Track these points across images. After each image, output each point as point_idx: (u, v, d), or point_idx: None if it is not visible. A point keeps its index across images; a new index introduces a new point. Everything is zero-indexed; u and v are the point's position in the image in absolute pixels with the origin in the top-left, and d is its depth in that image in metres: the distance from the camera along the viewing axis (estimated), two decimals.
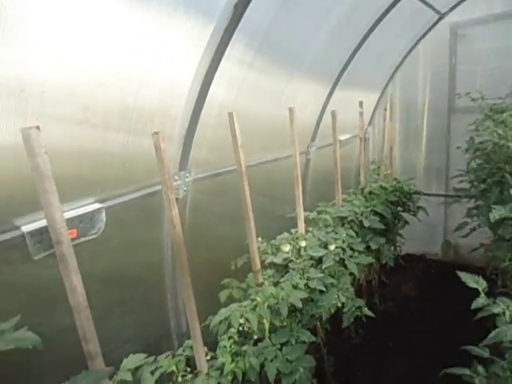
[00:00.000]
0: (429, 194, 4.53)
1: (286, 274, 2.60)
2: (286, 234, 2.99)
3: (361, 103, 3.69)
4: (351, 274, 3.03)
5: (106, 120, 1.76)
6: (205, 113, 2.25)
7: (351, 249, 2.98)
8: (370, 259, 2.97)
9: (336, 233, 3.05)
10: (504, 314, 1.58)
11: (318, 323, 3.04)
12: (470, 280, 1.84)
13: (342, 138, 4.41)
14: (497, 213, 2.06)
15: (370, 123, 5.14)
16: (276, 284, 2.41)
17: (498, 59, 4.33)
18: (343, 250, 2.90)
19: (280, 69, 2.98)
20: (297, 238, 2.89)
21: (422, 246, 5.37)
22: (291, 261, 2.68)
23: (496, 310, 1.60)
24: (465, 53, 4.54)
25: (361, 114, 3.71)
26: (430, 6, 3.90)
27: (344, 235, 3.05)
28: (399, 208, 4.13)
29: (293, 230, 2.98)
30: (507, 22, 4.28)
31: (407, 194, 4.11)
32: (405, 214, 4.19)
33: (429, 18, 4.39)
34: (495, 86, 4.11)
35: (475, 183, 3.13)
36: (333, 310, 2.66)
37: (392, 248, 4.65)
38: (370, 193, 3.76)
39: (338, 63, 3.68)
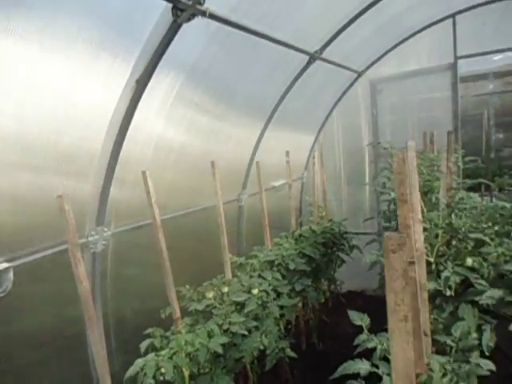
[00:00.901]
0: (358, 233, 4.84)
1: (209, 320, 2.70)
2: (214, 281, 3.12)
3: (287, 153, 4.01)
4: (282, 315, 3.18)
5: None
6: (121, 168, 2.39)
7: (275, 292, 3.14)
8: (293, 301, 3.14)
9: (262, 277, 3.22)
10: (376, 349, 1.77)
11: (248, 366, 3.12)
12: (357, 318, 2.04)
13: (277, 183, 4.70)
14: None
15: (305, 168, 5.49)
16: (193, 331, 2.51)
17: (410, 110, 4.87)
18: (267, 293, 3.05)
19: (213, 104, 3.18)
20: (223, 284, 3.03)
21: (362, 282, 5.62)
22: (215, 307, 2.80)
23: (370, 345, 1.79)
24: (383, 105, 5.07)
25: (288, 162, 4.01)
26: (345, 67, 4.39)
27: (270, 278, 3.22)
28: (332, 249, 4.39)
29: (219, 276, 3.12)
30: (417, 78, 4.87)
31: (338, 234, 4.38)
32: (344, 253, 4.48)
33: (349, 74, 4.91)
34: (407, 133, 4.62)
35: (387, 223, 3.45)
36: (255, 353, 2.77)
37: (330, 286, 4.88)
38: (300, 236, 4.00)
39: (270, 105, 3.94)
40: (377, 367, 1.51)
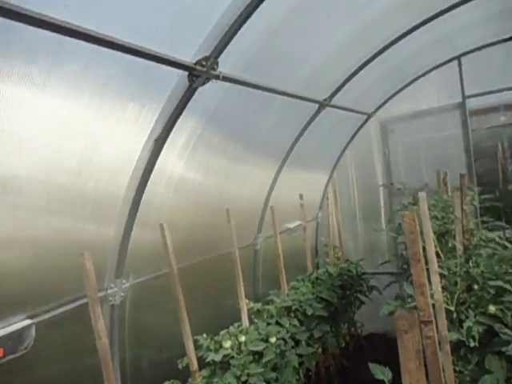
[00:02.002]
0: (376, 273, 4.75)
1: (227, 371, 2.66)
2: (231, 329, 3.08)
3: (301, 196, 4.06)
4: (301, 364, 3.10)
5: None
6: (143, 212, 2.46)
7: (293, 339, 3.08)
8: (312, 349, 3.07)
9: (280, 324, 3.17)
10: None
11: None
12: (379, 372, 1.98)
13: (292, 225, 4.72)
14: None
15: (320, 207, 5.51)
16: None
17: (422, 149, 4.92)
18: (285, 341, 3.00)
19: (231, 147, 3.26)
20: (240, 332, 2.99)
21: (384, 324, 5.44)
22: (232, 357, 2.75)
23: None
24: (395, 144, 5.13)
25: (301, 205, 4.04)
26: (355, 111, 4.52)
27: (288, 325, 3.17)
28: (350, 291, 4.31)
29: (236, 324, 3.09)
30: (427, 117, 4.95)
31: (355, 276, 4.32)
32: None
33: (360, 116, 5.03)
34: (420, 172, 4.64)
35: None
36: None
37: (350, 330, 4.74)
38: (317, 279, 3.96)
39: (284, 148, 4.02)
40: None
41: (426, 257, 2.72)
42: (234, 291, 3.24)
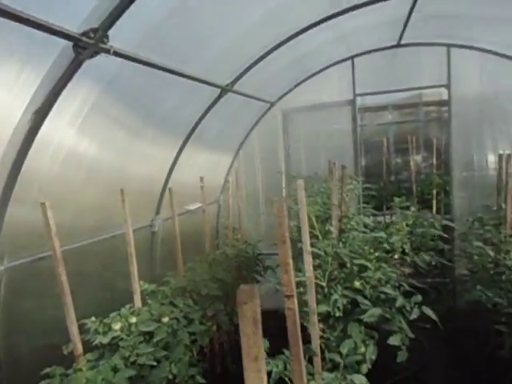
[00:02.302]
0: (272, 254, 5.06)
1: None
2: (122, 310, 3.04)
3: (201, 178, 4.10)
4: (193, 342, 3.19)
5: None
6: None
7: (187, 318, 3.15)
8: (204, 327, 3.19)
9: (174, 304, 3.22)
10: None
11: None
12: None
13: (193, 207, 4.75)
14: None
15: (222, 191, 5.62)
16: (98, 366, 2.42)
17: (318, 139, 5.32)
18: (177, 320, 3.06)
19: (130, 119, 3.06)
20: (132, 314, 2.96)
21: (276, 302, 5.83)
22: (121, 339, 2.73)
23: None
24: (294, 133, 5.46)
25: (202, 187, 4.09)
26: (258, 99, 4.67)
27: (181, 305, 3.23)
28: (247, 271, 4.53)
29: (128, 306, 3.05)
30: (324, 110, 5.35)
31: (252, 256, 4.55)
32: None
33: (263, 104, 5.21)
34: (317, 161, 5.03)
35: None
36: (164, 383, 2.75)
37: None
38: (214, 260, 4.08)
39: (187, 127, 3.90)
40: None
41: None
42: (128, 273, 3.18)
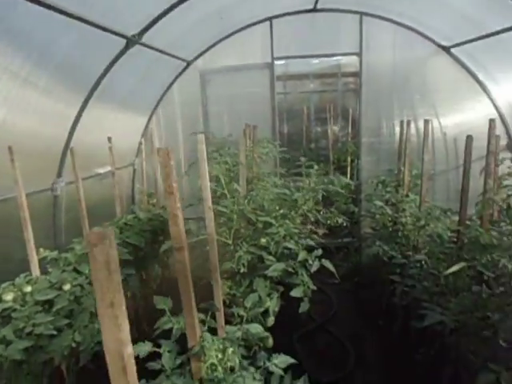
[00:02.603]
0: (190, 219, 5.00)
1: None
2: (17, 280, 2.79)
3: (109, 138, 3.82)
4: None
5: None
6: None
7: (91, 284, 3.00)
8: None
9: (78, 271, 3.03)
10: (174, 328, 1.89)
11: (64, 366, 2.93)
12: (160, 302, 2.12)
13: (103, 170, 4.45)
14: None
15: (137, 154, 5.34)
16: None
17: (237, 103, 5.25)
18: (82, 287, 2.90)
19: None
20: (27, 283, 2.74)
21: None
22: (14, 310, 2.51)
23: (167, 326, 1.90)
24: (213, 95, 5.30)
25: (110, 148, 3.83)
26: (172, 55, 4.40)
27: (87, 271, 3.06)
28: (162, 236, 4.42)
29: (23, 275, 2.80)
30: (242, 73, 5.24)
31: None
32: None
33: (179, 62, 4.95)
34: (236, 124, 4.96)
35: None
36: (66, 352, 2.62)
37: (164, 272, 4.93)
38: (126, 224, 3.90)
39: (92, 79, 3.51)
40: (158, 346, 1.61)
41: (218, 197, 2.99)
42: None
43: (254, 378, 1.40)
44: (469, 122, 5.09)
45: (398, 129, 4.99)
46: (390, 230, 4.16)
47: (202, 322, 1.97)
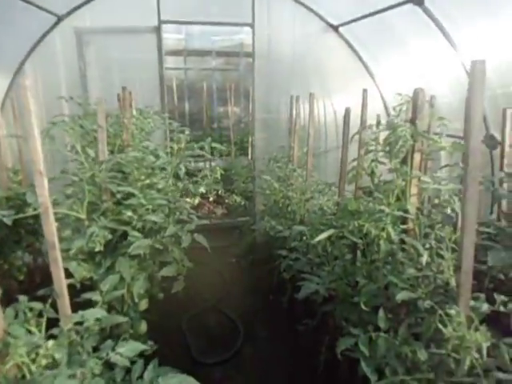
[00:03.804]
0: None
1: None
2: None
3: None
4: None
5: None
6: None
7: None
8: None
9: None
10: None
11: None
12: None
13: None
14: None
15: None
16: None
17: (120, 68, 4.71)
18: None
19: None
20: None
21: None
22: None
23: None
24: (92, 59, 4.67)
25: None
26: (37, 6, 3.71)
27: None
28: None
29: None
30: (127, 36, 4.70)
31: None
32: None
33: (50, 17, 4.22)
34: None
35: None
36: None
37: (36, 260, 4.30)
38: None
39: None
40: None
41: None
42: None
43: (70, 377, 1.12)
44: (357, 101, 5.30)
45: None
46: (280, 205, 4.13)
47: (40, 312, 1.63)
